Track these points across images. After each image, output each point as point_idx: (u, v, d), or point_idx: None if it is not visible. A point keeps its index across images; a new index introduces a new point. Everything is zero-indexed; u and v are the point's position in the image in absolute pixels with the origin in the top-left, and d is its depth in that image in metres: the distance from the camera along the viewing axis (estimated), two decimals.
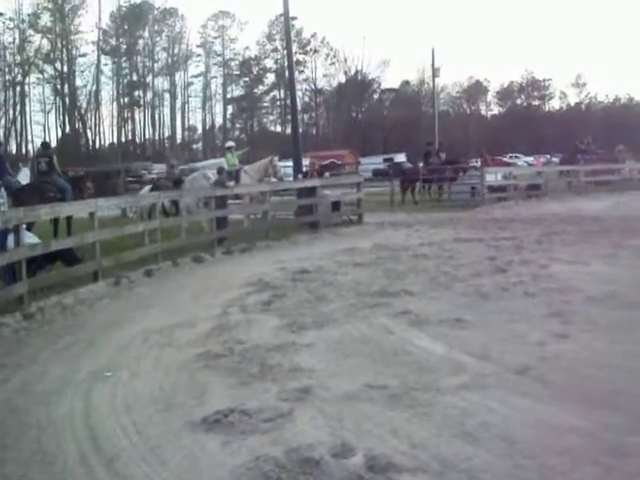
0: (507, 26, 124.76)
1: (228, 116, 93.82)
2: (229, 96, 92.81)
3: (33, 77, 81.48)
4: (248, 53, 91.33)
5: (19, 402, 5.71)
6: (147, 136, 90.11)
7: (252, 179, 19.29)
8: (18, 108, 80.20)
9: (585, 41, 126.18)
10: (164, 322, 8.20)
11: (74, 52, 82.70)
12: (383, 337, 7.04)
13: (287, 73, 31.59)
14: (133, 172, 44.65)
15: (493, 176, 26.71)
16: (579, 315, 7.35)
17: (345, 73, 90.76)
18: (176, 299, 9.97)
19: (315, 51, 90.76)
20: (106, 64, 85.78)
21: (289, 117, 43.91)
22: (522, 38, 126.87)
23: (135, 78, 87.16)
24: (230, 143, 23.79)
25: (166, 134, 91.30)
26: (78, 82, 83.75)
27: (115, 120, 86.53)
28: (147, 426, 4.97)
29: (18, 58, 78.70)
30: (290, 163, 24.81)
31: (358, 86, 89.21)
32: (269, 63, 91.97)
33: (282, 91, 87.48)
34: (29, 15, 78.99)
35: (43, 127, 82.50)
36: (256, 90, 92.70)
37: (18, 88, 79.61)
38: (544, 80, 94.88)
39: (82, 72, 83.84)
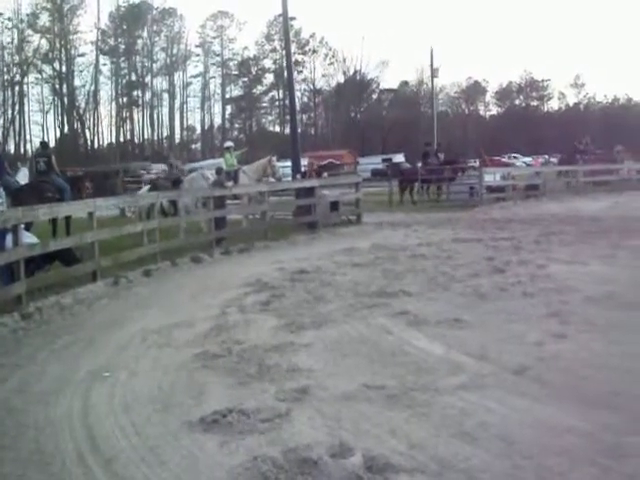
0: (506, 27, 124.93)
1: (227, 116, 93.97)
2: (228, 96, 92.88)
3: (32, 77, 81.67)
4: (247, 53, 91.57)
5: (17, 402, 5.71)
6: (146, 136, 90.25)
7: (251, 179, 19.29)
8: (17, 108, 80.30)
9: (584, 42, 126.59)
10: (162, 322, 8.20)
11: (73, 52, 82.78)
12: (381, 337, 7.04)
13: (286, 73, 31.56)
14: (132, 172, 44.68)
15: (491, 176, 26.71)
16: (577, 315, 7.36)
17: (344, 73, 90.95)
18: (174, 299, 9.97)
19: (314, 51, 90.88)
20: (105, 64, 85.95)
21: (288, 117, 43.99)
22: (521, 38, 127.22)
23: (134, 78, 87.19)
24: (229, 143, 23.80)
25: (165, 134, 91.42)
26: (77, 82, 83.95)
27: (114, 120, 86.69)
28: (145, 426, 4.97)
29: (17, 58, 78.77)
30: (289, 163, 24.81)
31: (357, 86, 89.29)
32: (268, 63, 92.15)
33: (281, 91, 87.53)
34: (28, 15, 79.15)
35: (42, 127, 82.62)
36: (255, 90, 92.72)
37: (17, 88, 79.70)
38: (543, 80, 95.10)
39: (81, 72, 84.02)
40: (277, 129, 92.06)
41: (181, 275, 12.33)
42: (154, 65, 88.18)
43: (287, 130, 68.54)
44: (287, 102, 48.31)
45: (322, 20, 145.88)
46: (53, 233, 15.74)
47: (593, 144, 34.04)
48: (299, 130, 29.31)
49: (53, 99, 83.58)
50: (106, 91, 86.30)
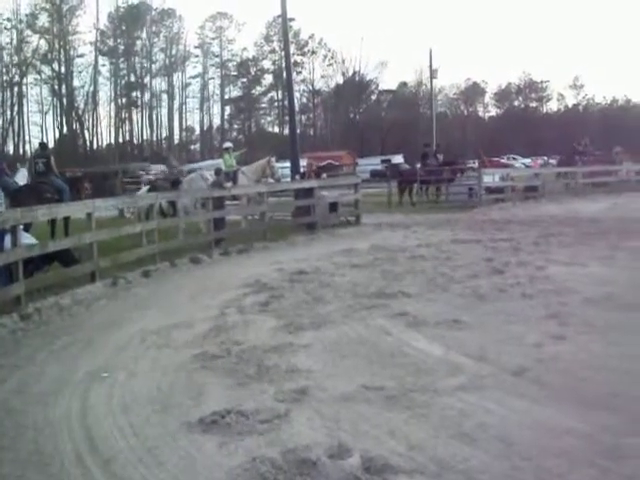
0: (505, 28, 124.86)
1: (226, 117, 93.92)
2: (227, 97, 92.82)
3: (30, 78, 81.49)
4: (246, 54, 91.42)
5: (16, 403, 5.71)
6: (145, 137, 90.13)
7: (250, 180, 19.28)
8: (15, 109, 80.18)
9: (583, 43, 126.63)
10: (161, 323, 8.19)
11: (72, 53, 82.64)
12: (380, 338, 7.04)
13: (285, 74, 31.55)
14: (131, 173, 44.66)
15: (490, 177, 26.73)
16: (576, 317, 7.36)
17: (343, 74, 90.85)
18: (173, 300, 9.97)
19: (313, 52, 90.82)
20: (104, 65, 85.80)
21: (287, 118, 44.03)
22: (520, 40, 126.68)
23: (133, 79, 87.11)
24: (228, 144, 23.81)
25: (164, 135, 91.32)
26: (76, 83, 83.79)
27: (113, 121, 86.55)
28: (144, 427, 4.97)
29: (15, 59, 78.64)
30: (288, 164, 24.79)
31: (356, 87, 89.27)
32: (267, 64, 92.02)
33: (280, 92, 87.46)
34: (27, 15, 78.97)
35: (40, 128, 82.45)
36: (254, 91, 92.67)
37: (15, 89, 79.57)
38: (542, 82, 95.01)
39: (80, 73, 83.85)
40: (276, 130, 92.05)
41: (180, 276, 12.32)
42: (153, 66, 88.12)
43: (286, 131, 68.66)
44: (286, 103, 48.36)
45: (321, 21, 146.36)
46: (52, 234, 15.74)
47: (592, 145, 34.06)
48: (298, 131, 29.38)
49: (52, 100, 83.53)
50: (105, 92, 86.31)
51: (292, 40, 69.59)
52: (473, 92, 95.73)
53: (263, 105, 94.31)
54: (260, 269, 11.87)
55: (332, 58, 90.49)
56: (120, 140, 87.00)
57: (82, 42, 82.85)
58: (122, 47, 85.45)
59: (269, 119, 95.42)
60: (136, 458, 4.46)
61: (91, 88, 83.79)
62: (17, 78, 79.32)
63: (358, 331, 7.35)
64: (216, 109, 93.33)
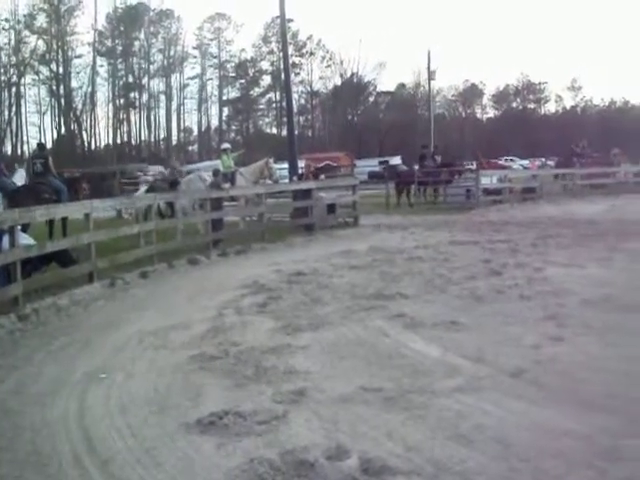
0: (503, 29, 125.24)
1: (224, 118, 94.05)
2: (225, 98, 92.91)
3: (28, 78, 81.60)
4: (244, 55, 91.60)
5: (14, 403, 5.70)
6: (143, 138, 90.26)
7: (248, 181, 19.27)
8: (13, 109, 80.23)
9: (581, 45, 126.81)
10: (159, 324, 8.19)
11: (70, 53, 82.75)
12: (378, 340, 7.04)
13: (283, 75, 31.49)
14: (128, 174, 44.60)
15: (488, 179, 26.76)
16: (574, 318, 7.37)
17: (341, 76, 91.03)
18: (171, 301, 9.96)
19: (311, 53, 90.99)
20: (102, 65, 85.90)
21: (285, 119, 44.03)
22: (518, 41, 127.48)
23: (131, 80, 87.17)
24: (226, 145, 23.80)
25: (162, 136, 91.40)
26: (74, 83, 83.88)
27: (111, 122, 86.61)
28: (142, 428, 4.96)
29: (13, 59, 78.67)
30: (286, 165, 24.81)
31: (354, 89, 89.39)
32: (265, 65, 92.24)
33: (278, 93, 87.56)
34: (25, 16, 79.01)
35: (38, 128, 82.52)
36: (252, 92, 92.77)
37: (13, 89, 79.59)
38: (540, 83, 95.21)
39: (78, 73, 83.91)
40: (274, 131, 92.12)
41: (178, 277, 12.32)
42: (151, 67, 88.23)
43: (284, 132, 68.53)
44: (284, 104, 48.36)
45: (319, 22, 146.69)
46: (50, 234, 15.72)
47: (590, 147, 34.07)
48: (296, 132, 29.34)
49: (50, 100, 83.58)
50: (103, 92, 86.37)
51: (290, 41, 69.68)
52: (471, 94, 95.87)
53: (261, 106, 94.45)
54: (258, 270, 11.86)
55: (330, 59, 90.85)
56: (118, 141, 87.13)
57: (80, 43, 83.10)
58: (120, 48, 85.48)
59: (267, 120, 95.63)
60: (134, 459, 4.45)
61: (89, 89, 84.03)
62: (15, 79, 79.36)
63: (356, 332, 7.35)
64: (214, 110, 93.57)
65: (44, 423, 5.20)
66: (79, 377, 6.32)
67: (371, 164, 48.18)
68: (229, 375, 6.04)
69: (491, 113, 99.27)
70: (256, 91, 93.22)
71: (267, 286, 10.33)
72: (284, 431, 4.71)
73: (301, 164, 26.95)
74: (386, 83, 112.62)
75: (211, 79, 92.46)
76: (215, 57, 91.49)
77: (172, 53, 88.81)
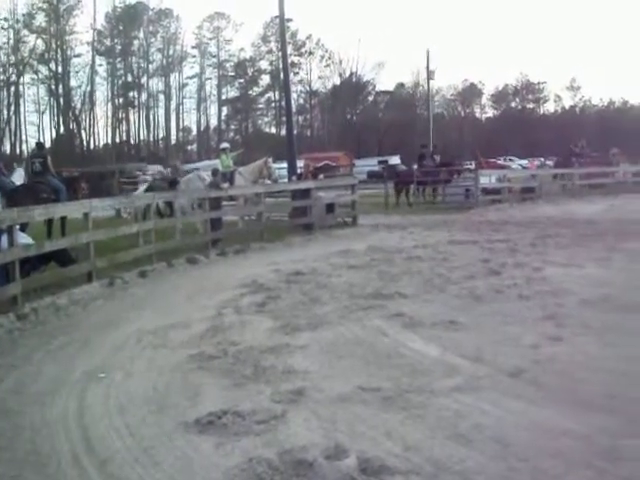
0: (502, 29, 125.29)
1: (223, 117, 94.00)
2: (224, 97, 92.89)
3: (27, 77, 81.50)
4: (243, 54, 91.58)
5: (13, 403, 5.70)
6: (142, 137, 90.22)
7: (246, 181, 19.26)
8: (12, 108, 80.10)
9: (580, 44, 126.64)
10: (158, 323, 8.19)
11: (69, 52, 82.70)
12: (377, 339, 7.04)
13: (282, 75, 31.52)
14: (127, 173, 44.55)
15: (487, 179, 26.78)
16: (573, 318, 7.37)
17: (340, 75, 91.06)
18: (170, 300, 9.97)
19: (310, 53, 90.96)
20: (101, 65, 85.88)
21: (284, 119, 44.01)
22: (517, 41, 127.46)
23: (130, 79, 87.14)
24: (225, 144, 23.83)
25: (160, 135, 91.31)
26: (73, 83, 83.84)
27: (109, 121, 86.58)
28: (140, 427, 4.96)
29: (12, 58, 78.56)
30: (284, 165, 24.86)
31: (353, 88, 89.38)
32: (264, 65, 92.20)
33: (277, 93, 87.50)
34: (24, 15, 78.95)
35: (37, 127, 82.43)
36: (251, 92, 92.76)
37: (12, 88, 79.46)
38: (539, 83, 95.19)
39: (77, 73, 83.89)
40: (273, 130, 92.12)
41: (177, 276, 12.32)
42: (150, 66, 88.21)
43: (283, 132, 68.70)
44: (283, 104, 48.33)
45: (318, 22, 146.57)
46: (48, 234, 15.72)
47: (589, 147, 34.09)
48: (295, 132, 29.33)
49: (49, 100, 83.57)
50: (102, 92, 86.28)
51: (289, 41, 69.64)
52: (470, 93, 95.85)
53: (260, 106, 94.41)
54: (257, 270, 11.87)
55: (329, 59, 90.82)
56: (117, 140, 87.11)
57: (79, 42, 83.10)
58: (119, 47, 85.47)
59: (266, 120, 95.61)
60: (133, 458, 4.45)
61: (88, 88, 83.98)
62: (14, 78, 79.24)
63: (355, 332, 7.35)
64: (213, 109, 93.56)
65: (43, 422, 5.20)
66: (78, 376, 6.32)
67: (370, 164, 48.17)
68: (228, 374, 6.04)
69: (490, 113, 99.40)
70: (255, 90, 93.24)
71: (266, 285, 10.33)
72: (283, 431, 4.71)
73: (300, 164, 26.94)
74: (385, 83, 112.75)
75: (210, 78, 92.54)
76: (214, 56, 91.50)
77: (171, 52, 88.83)
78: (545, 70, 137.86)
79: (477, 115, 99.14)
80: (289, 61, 29.53)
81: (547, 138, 76.58)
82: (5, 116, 79.48)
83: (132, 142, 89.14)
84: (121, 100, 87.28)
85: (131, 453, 4.54)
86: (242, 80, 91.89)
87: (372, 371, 5.95)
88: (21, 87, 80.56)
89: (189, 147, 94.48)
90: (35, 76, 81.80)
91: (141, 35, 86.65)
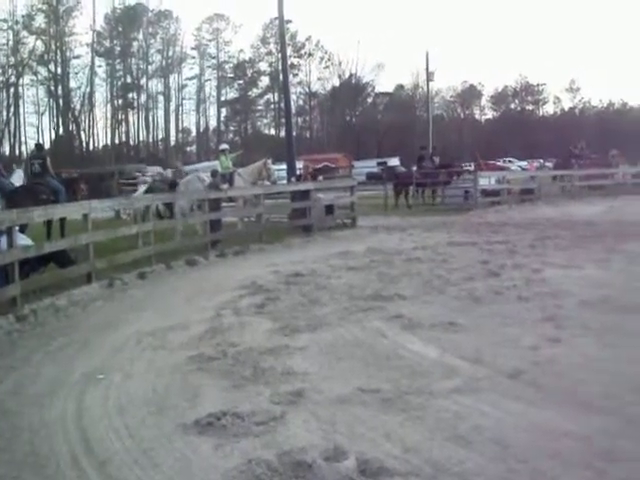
0: (501, 31, 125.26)
1: (222, 119, 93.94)
2: (223, 99, 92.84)
3: (27, 78, 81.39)
4: (242, 56, 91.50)
5: (12, 404, 5.70)
6: (141, 138, 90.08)
7: (246, 182, 19.28)
8: (12, 110, 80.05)
9: (579, 46, 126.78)
10: (157, 324, 8.19)
11: (68, 54, 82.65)
12: (376, 341, 7.04)
13: (281, 76, 31.53)
14: (127, 174, 44.56)
15: (487, 180, 26.76)
16: (572, 319, 7.37)
17: (339, 77, 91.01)
18: (169, 302, 9.96)
19: (309, 54, 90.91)
20: (100, 66, 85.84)
21: (283, 120, 43.98)
22: (516, 43, 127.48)
23: (129, 80, 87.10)
24: (224, 146, 23.79)
25: (160, 136, 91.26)
26: (72, 84, 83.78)
27: (109, 122, 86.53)
28: (140, 428, 4.96)
29: (12, 59, 78.53)
30: (284, 166, 24.81)
31: (352, 90, 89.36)
32: (263, 66, 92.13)
33: (276, 94, 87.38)
34: (23, 16, 78.91)
35: (37, 129, 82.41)
36: (250, 93, 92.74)
37: (12, 89, 79.43)
38: (538, 85, 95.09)
39: (76, 74, 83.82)
40: (272, 132, 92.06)
41: (176, 278, 12.31)
42: (149, 67, 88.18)
43: (282, 133, 68.58)
44: (282, 105, 48.41)
45: (318, 23, 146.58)
46: (48, 235, 15.72)
47: (588, 148, 34.11)
48: (294, 133, 29.34)
49: (48, 101, 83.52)
50: (101, 93, 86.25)
51: (289, 42, 69.54)
52: (470, 95, 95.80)
53: (259, 107, 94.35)
54: (256, 271, 11.87)
55: (329, 60, 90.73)
56: (116, 141, 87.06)
57: (78, 43, 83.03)
58: (118, 48, 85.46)
59: (265, 121, 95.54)
60: (132, 460, 4.45)
61: (87, 89, 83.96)
62: (13, 79, 79.23)
63: (354, 333, 7.35)
64: (212, 111, 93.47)
65: (42, 424, 5.20)
66: (77, 378, 6.32)
67: (369, 165, 48.14)
68: (227, 376, 6.04)
69: (489, 114, 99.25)
70: (254, 92, 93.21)
71: (265, 287, 10.33)
72: (282, 432, 4.71)
73: (299, 165, 26.98)
74: (384, 84, 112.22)
75: (209, 80, 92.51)
76: (213, 58, 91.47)
77: (170, 54, 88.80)
78: (544, 72, 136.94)
79: (476, 117, 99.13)
80: (288, 62, 29.56)
81: (546, 140, 76.55)
82: (4, 117, 79.48)
83: (131, 143, 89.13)
84: (120, 101, 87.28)
85: (130, 454, 4.53)
86: (241, 81, 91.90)
87: (371, 372, 5.95)
88: (20, 88, 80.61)
89: (188, 148, 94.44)
90: (34, 77, 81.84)
91: (140, 36, 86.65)
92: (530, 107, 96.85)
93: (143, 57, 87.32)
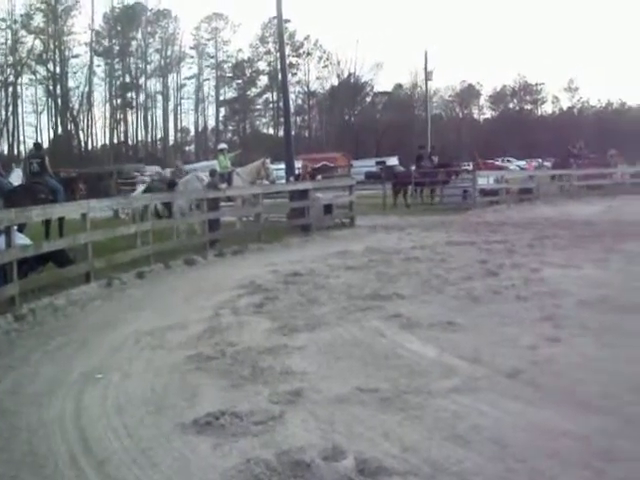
0: (500, 30, 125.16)
1: (221, 118, 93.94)
2: (222, 98, 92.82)
3: (25, 78, 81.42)
4: (241, 55, 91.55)
5: (10, 404, 5.69)
6: (139, 138, 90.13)
7: (244, 181, 19.27)
8: (10, 109, 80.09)
9: (578, 46, 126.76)
10: (156, 324, 8.18)
11: (67, 53, 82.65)
12: (375, 340, 7.04)
13: (280, 75, 31.58)
14: (125, 174, 44.56)
15: (485, 180, 26.78)
16: (571, 319, 7.37)
17: (338, 76, 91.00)
18: (168, 301, 9.96)
19: (308, 54, 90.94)
20: (99, 65, 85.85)
21: (282, 119, 43.97)
22: (515, 42, 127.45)
23: (128, 80, 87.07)
24: (223, 145, 23.79)
25: (158, 136, 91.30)
26: (70, 83, 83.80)
27: (107, 121, 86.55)
28: (138, 428, 4.96)
29: (10, 59, 78.53)
30: (282, 166, 24.85)
31: (351, 89, 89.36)
32: (262, 65, 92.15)
33: (275, 93, 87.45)
34: (22, 16, 78.90)
35: (35, 128, 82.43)
36: (249, 92, 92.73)
37: (10, 89, 79.46)
38: (537, 84, 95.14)
39: (75, 73, 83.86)
40: (271, 131, 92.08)
41: (174, 277, 12.31)
42: (148, 67, 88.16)
43: (281, 132, 68.36)
44: (281, 104, 48.36)
45: (317, 23, 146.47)
46: (46, 234, 15.70)
47: (587, 148, 34.14)
48: (293, 132, 29.38)
49: (47, 100, 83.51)
50: (100, 92, 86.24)
51: (287, 41, 69.68)
52: (468, 94, 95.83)
53: (258, 106, 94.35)
54: (254, 270, 11.86)
55: (327, 60, 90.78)
56: (115, 141, 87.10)
57: (77, 43, 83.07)
58: (117, 48, 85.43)
59: (264, 120, 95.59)
60: (130, 459, 4.45)
61: (86, 89, 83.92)
62: (12, 78, 79.26)
63: (352, 333, 7.35)
64: (211, 110, 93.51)
65: (40, 423, 5.20)
66: (76, 377, 6.32)
67: (368, 164, 48.15)
68: (226, 375, 6.04)
69: (488, 114, 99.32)
70: (253, 91, 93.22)
71: (264, 286, 10.32)
72: (280, 431, 4.71)
73: (298, 164, 27.00)
74: (383, 83, 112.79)
75: (208, 79, 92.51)
76: (212, 57, 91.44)
77: (169, 53, 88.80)
78: (543, 71, 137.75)
79: (475, 116, 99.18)
80: (287, 62, 29.57)
81: (545, 139, 76.57)
82: (3, 116, 79.53)
83: (130, 143, 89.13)
84: (119, 101, 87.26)
85: (129, 454, 4.53)
86: (240, 81, 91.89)
87: (370, 372, 5.94)
88: (19, 88, 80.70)
89: (187, 148, 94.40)
90: (33, 77, 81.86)
91: (139, 36, 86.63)
92: (528, 107, 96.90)
93: (142, 56, 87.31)
